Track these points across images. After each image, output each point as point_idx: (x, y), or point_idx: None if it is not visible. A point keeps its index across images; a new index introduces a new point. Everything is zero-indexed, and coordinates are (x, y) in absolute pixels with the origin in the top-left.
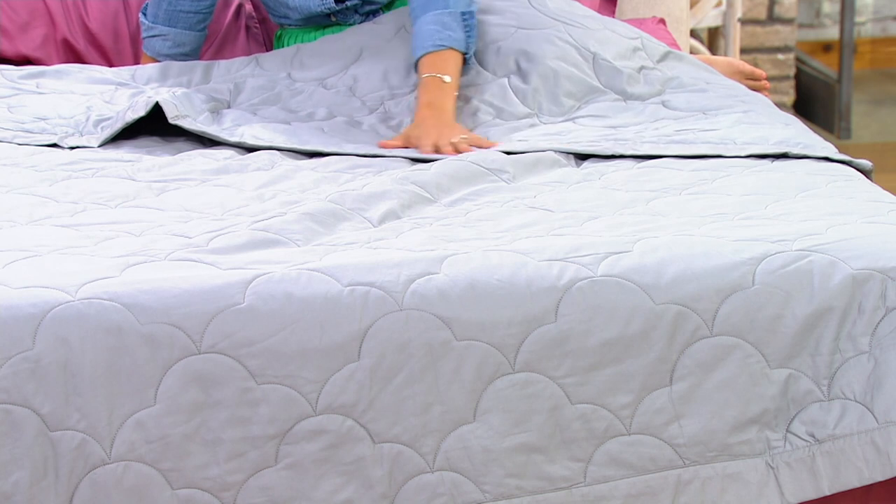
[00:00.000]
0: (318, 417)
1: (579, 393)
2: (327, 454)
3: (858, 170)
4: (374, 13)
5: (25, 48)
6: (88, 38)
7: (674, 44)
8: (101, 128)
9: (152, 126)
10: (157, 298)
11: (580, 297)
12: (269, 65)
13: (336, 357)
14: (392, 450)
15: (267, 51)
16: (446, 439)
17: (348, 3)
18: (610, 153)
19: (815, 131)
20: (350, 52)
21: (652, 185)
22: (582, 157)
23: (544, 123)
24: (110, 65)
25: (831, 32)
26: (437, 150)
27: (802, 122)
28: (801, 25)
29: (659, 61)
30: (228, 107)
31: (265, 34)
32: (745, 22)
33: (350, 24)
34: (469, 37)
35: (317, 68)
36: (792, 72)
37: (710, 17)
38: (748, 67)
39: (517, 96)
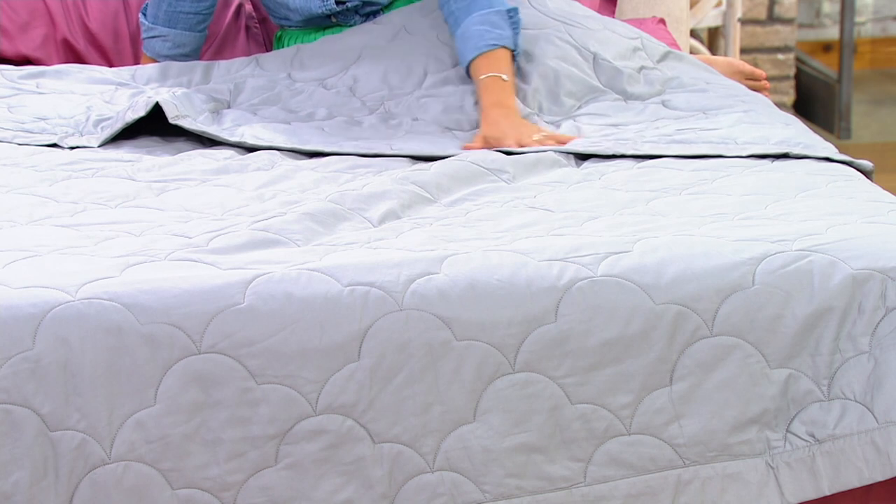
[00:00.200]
0: (318, 417)
1: (579, 393)
2: (327, 454)
3: (859, 170)
4: (375, 14)
5: (25, 48)
6: (88, 38)
7: (674, 44)
8: (101, 128)
9: (152, 126)
10: (157, 298)
11: (580, 297)
12: (269, 65)
13: (336, 357)
14: (392, 450)
15: (267, 51)
16: (446, 439)
17: (349, 5)
18: (610, 153)
19: (815, 131)
20: (350, 52)
21: (652, 185)
22: (582, 157)
23: (546, 123)
24: (110, 65)
25: (831, 32)
26: (522, 146)
27: (802, 122)
28: (801, 25)
29: (659, 61)
30: (228, 107)
31: (265, 34)
32: (745, 22)
33: (351, 26)
34: (516, 33)
35: (317, 68)
36: (792, 72)
37: (710, 17)
38: (748, 67)
39: (517, 96)
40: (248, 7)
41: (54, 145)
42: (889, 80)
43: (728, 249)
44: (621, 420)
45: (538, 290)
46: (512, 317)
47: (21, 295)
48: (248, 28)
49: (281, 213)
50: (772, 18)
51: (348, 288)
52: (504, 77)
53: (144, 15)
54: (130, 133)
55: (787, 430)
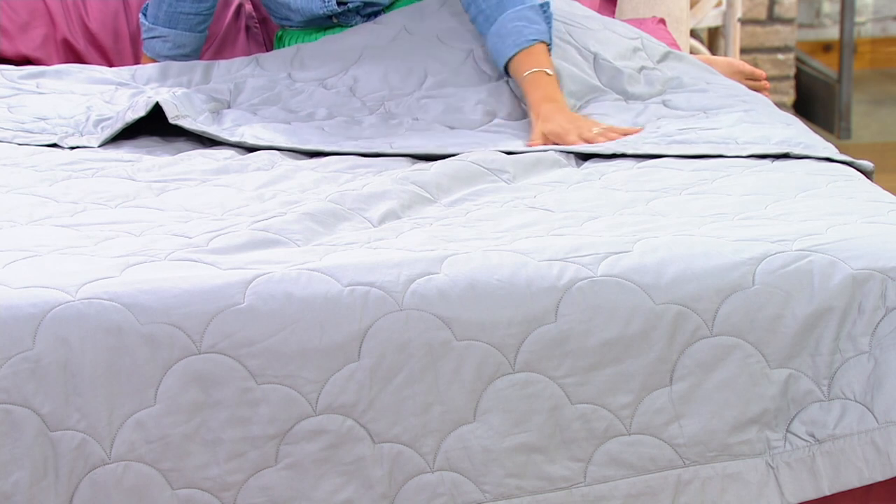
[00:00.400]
0: (318, 417)
1: (579, 393)
2: (327, 454)
3: (859, 170)
4: (376, 15)
5: (25, 48)
6: (88, 38)
7: (674, 44)
8: (101, 128)
9: (152, 126)
10: (157, 298)
11: (580, 297)
12: (269, 65)
13: (336, 357)
14: (392, 450)
15: (267, 51)
16: (446, 439)
17: (350, 5)
18: (610, 152)
19: (815, 131)
20: (350, 52)
21: (652, 185)
22: (582, 157)
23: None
24: (110, 65)
25: (831, 32)
26: (588, 141)
27: (802, 122)
28: (801, 25)
29: (659, 61)
30: (228, 107)
31: (265, 34)
32: (745, 22)
33: (351, 26)
34: (550, 28)
35: (317, 68)
36: (792, 72)
37: (710, 17)
38: (748, 67)
39: (518, 97)
40: (248, 7)
41: (54, 145)
42: (889, 80)
43: (728, 249)
44: (621, 420)
45: (538, 290)
46: (512, 317)
47: (21, 295)
48: (248, 28)
49: (281, 213)
50: (772, 18)
51: (348, 288)
52: (549, 71)
53: (144, 15)
54: (130, 133)
55: (787, 430)
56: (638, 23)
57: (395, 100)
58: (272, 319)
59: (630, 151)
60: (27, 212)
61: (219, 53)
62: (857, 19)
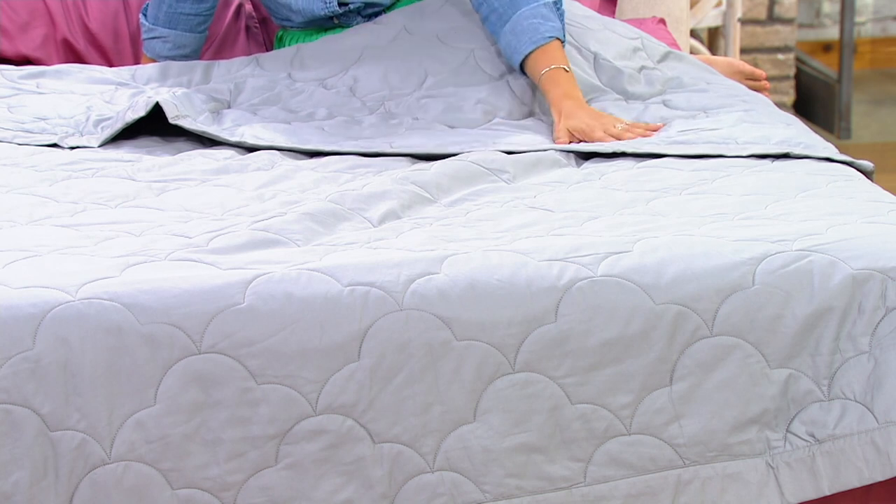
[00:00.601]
0: (318, 417)
1: (579, 393)
2: (327, 454)
3: (859, 170)
4: (377, 15)
5: (25, 48)
6: (88, 38)
7: (674, 44)
8: (102, 128)
9: (152, 126)
10: (157, 298)
11: (580, 297)
12: (269, 65)
13: (336, 357)
14: (392, 450)
15: (267, 51)
16: (446, 439)
17: (351, 6)
18: (610, 152)
19: (815, 131)
20: (350, 52)
21: (652, 185)
22: (582, 156)
23: (547, 122)
24: (110, 65)
25: (831, 32)
26: (616, 137)
27: (802, 122)
28: (801, 25)
29: (659, 61)
30: (228, 107)
31: (265, 34)
32: (745, 22)
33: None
34: (563, 24)
35: (317, 69)
36: (792, 72)
37: (710, 17)
38: (748, 67)
39: (518, 96)
40: (248, 7)
41: (54, 145)
42: (889, 80)
43: (728, 249)
44: (621, 420)
45: (538, 290)
46: (512, 317)
47: (21, 295)
48: (248, 28)
49: (281, 213)
50: (772, 18)
51: (348, 288)
52: (566, 68)
53: (145, 16)
54: (130, 133)
55: (787, 430)
56: (638, 23)
57: (395, 100)
58: (272, 319)
59: (630, 151)
60: (27, 212)
61: (219, 53)
62: (857, 19)
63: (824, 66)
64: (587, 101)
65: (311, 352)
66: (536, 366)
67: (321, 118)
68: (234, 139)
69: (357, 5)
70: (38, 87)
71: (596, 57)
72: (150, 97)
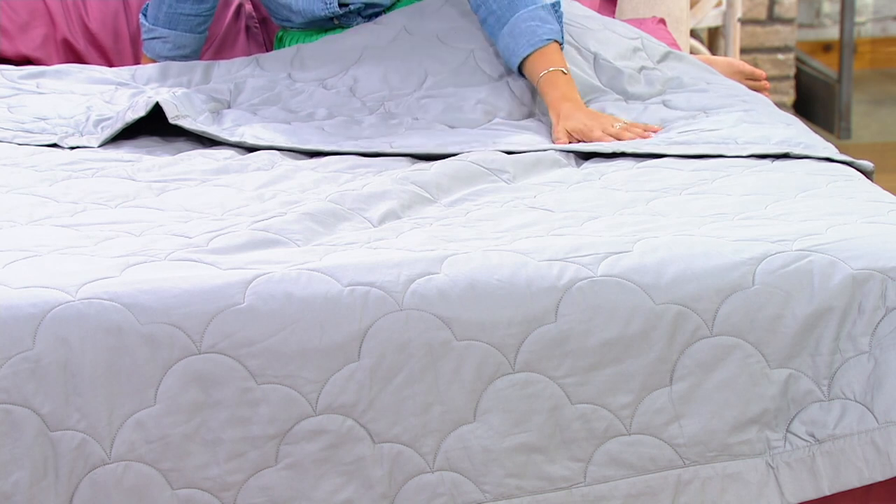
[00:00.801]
0: (318, 417)
1: (579, 393)
2: (327, 454)
3: (859, 170)
4: (377, 16)
5: (25, 48)
6: (88, 38)
7: (674, 44)
8: (102, 128)
9: (152, 126)
10: (157, 298)
11: (580, 297)
12: (269, 65)
13: (336, 357)
14: (392, 450)
15: (267, 52)
16: (446, 439)
17: (351, 7)
18: (610, 152)
19: (815, 131)
20: (350, 52)
21: (652, 185)
22: (582, 156)
23: (546, 123)
24: (110, 65)
25: (831, 32)
26: (614, 137)
27: (802, 122)
28: (801, 25)
29: (659, 61)
30: (228, 107)
31: (265, 35)
32: (745, 22)
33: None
34: (562, 27)
35: (317, 69)
36: (792, 72)
37: (710, 17)
38: (748, 67)
39: (518, 96)
40: (248, 7)
41: (54, 145)
42: (889, 80)
43: (728, 249)
44: (621, 420)
45: (538, 290)
46: (512, 317)
47: (21, 295)
48: (248, 28)
49: (281, 213)
50: (772, 18)
51: (348, 288)
52: (564, 70)
53: (145, 16)
54: (130, 133)
55: (787, 430)
56: (638, 23)
57: (395, 100)
58: (272, 319)
59: (630, 151)
60: (27, 212)
61: (219, 54)
62: (857, 19)
63: (824, 66)
64: (587, 102)
65: (311, 352)
66: (536, 366)
67: (321, 118)
68: (234, 139)
69: (357, 6)
70: (38, 87)
71: (596, 57)
72: (150, 97)
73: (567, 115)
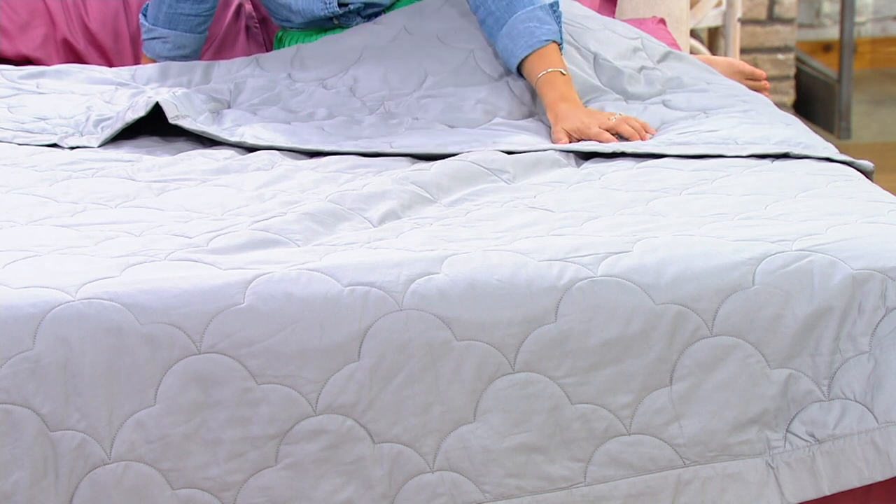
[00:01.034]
0: (318, 417)
1: (579, 393)
2: (327, 454)
3: (859, 170)
4: (377, 16)
5: (25, 48)
6: (88, 38)
7: (674, 44)
8: (102, 128)
9: (152, 126)
10: (157, 298)
11: (580, 297)
12: (269, 65)
13: (336, 357)
14: (392, 450)
15: (267, 51)
16: (446, 439)
17: (351, 7)
18: (610, 152)
19: (815, 131)
20: (350, 52)
21: (652, 185)
22: (582, 156)
23: (546, 123)
24: (110, 65)
25: (831, 32)
26: (610, 129)
27: (802, 122)
28: (801, 25)
29: (659, 61)
30: (228, 107)
31: (265, 35)
32: (745, 22)
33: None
34: (560, 27)
35: (317, 69)
36: (792, 72)
37: (710, 17)
38: (748, 67)
39: (518, 96)
40: (248, 7)
41: (54, 145)
42: (889, 80)
43: (728, 249)
44: (621, 420)
45: (538, 290)
46: (512, 317)
47: (21, 295)
48: (248, 28)
49: (281, 213)
50: (772, 18)
51: (348, 288)
52: (563, 71)
53: (144, 16)
54: (130, 133)
55: (787, 430)
56: (638, 23)
57: (395, 100)
58: (272, 319)
59: (630, 151)
60: (27, 212)
61: (219, 54)
62: (857, 19)
63: (824, 66)
64: (587, 102)
65: (311, 352)
66: (536, 366)
67: (321, 118)
68: (234, 139)
69: (357, 6)
70: (38, 87)
71: (596, 57)
72: (150, 97)
73: (564, 115)
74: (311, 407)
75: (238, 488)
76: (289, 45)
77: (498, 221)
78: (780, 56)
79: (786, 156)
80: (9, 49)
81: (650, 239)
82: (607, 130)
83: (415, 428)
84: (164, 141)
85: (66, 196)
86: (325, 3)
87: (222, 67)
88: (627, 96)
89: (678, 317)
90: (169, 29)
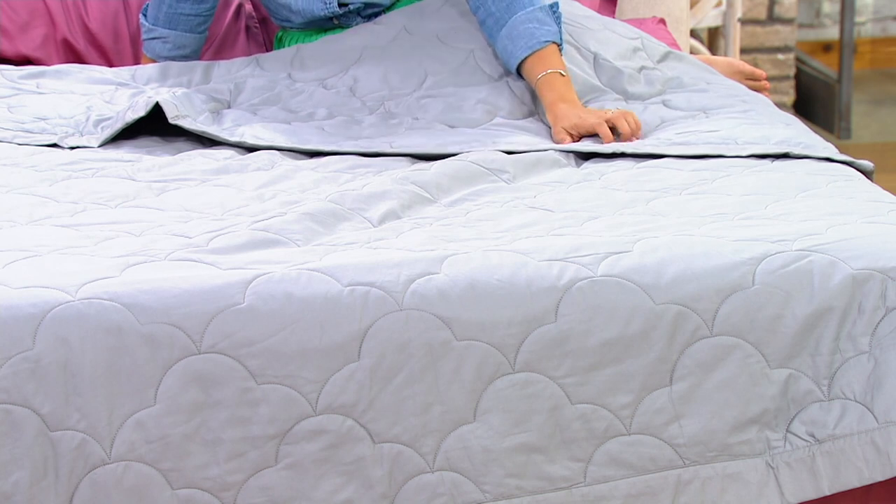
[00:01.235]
0: (318, 417)
1: (579, 393)
2: (327, 454)
3: (859, 170)
4: (377, 16)
5: (25, 48)
6: (88, 38)
7: (674, 44)
8: (102, 128)
9: (152, 126)
10: (157, 298)
11: (580, 297)
12: (269, 65)
13: (336, 357)
14: (392, 450)
15: (267, 52)
16: (446, 439)
17: (351, 7)
18: (610, 152)
19: (815, 131)
20: (350, 52)
21: (652, 185)
22: (582, 156)
23: (546, 124)
24: (110, 65)
25: (831, 32)
26: (607, 121)
27: (802, 122)
28: (801, 25)
29: (659, 61)
30: (229, 107)
31: (265, 35)
32: (745, 22)
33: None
34: (560, 28)
35: (317, 69)
36: (792, 72)
37: (710, 17)
38: (748, 67)
39: (518, 96)
40: (248, 7)
41: (54, 145)
42: (889, 80)
43: (728, 249)
44: (621, 420)
45: (538, 290)
46: (512, 317)
47: (21, 295)
48: (248, 28)
49: (281, 213)
50: (772, 18)
51: (348, 288)
52: (562, 72)
53: (145, 16)
54: (130, 133)
55: (787, 430)
56: (638, 23)
57: (395, 100)
58: (272, 319)
59: (630, 151)
60: (27, 212)
61: (219, 54)
62: (857, 19)
63: (824, 66)
64: (587, 102)
65: (311, 352)
66: (536, 366)
67: (321, 118)
68: (234, 139)
69: (357, 6)
70: (38, 87)
71: (596, 57)
72: (150, 97)
73: (563, 115)
74: (311, 407)
75: (238, 488)
76: (289, 45)
77: (498, 221)
78: (780, 56)
79: (786, 156)
80: (9, 49)
81: (650, 239)
82: (606, 121)
83: (415, 428)
84: (164, 141)
85: (66, 196)
86: (325, 3)
87: (222, 67)
88: (627, 96)
89: (678, 317)
90: (169, 29)
